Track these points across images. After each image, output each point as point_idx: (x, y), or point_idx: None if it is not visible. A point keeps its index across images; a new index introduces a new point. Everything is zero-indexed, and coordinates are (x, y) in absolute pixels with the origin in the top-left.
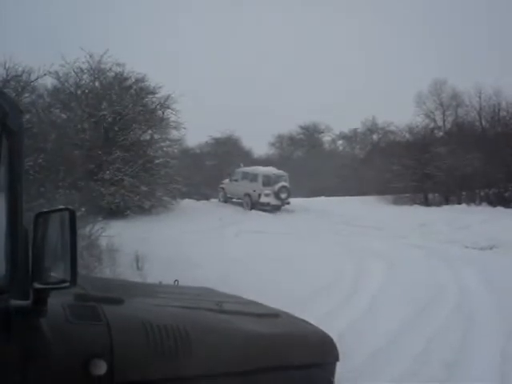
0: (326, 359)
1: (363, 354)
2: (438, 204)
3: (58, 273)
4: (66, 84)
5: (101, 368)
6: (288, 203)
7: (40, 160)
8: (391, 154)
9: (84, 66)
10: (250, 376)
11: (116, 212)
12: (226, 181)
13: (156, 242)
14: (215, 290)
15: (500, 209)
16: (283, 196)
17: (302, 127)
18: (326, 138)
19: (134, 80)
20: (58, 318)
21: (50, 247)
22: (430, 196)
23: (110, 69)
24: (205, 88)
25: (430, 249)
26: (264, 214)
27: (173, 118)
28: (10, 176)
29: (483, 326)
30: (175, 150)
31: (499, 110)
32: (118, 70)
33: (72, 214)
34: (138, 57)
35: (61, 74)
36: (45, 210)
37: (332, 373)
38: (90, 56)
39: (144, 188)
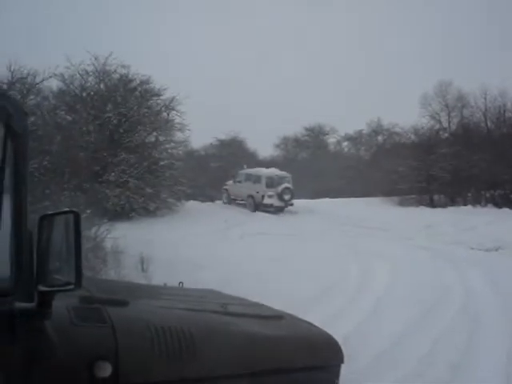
0: (330, 361)
1: (368, 356)
2: (444, 205)
3: (62, 275)
4: (71, 86)
5: (105, 370)
6: (291, 204)
7: (45, 162)
8: (396, 155)
9: (89, 68)
10: (255, 378)
11: (121, 214)
12: (230, 182)
13: (161, 243)
14: (220, 291)
15: (506, 210)
16: (286, 197)
17: (307, 129)
18: (331, 140)
19: (138, 82)
20: (63, 320)
21: (54, 250)
22: (436, 197)
23: (115, 71)
24: (209, 89)
25: (436, 250)
26: (269, 215)
27: (178, 120)
28: (14, 178)
29: (489, 327)
30: (180, 152)
31: (505, 111)
32: (123, 71)
33: (77, 216)
34: (142, 59)
35: (66, 76)
36: (49, 212)
37: (337, 375)
38: (95, 58)
39: (149, 190)
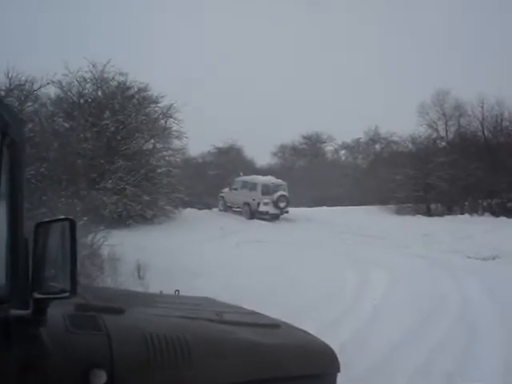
0: (326, 370)
1: (365, 364)
2: (441, 214)
3: (58, 282)
4: (68, 93)
5: (100, 378)
6: (287, 212)
7: (42, 169)
8: (394, 163)
9: (87, 76)
10: None
11: (118, 221)
12: (226, 190)
13: (158, 251)
14: (216, 299)
15: (503, 219)
16: (282, 205)
17: (304, 137)
18: (329, 148)
19: (136, 89)
20: (58, 327)
21: (50, 257)
22: (433, 206)
23: (113, 78)
24: (207, 97)
25: (433, 259)
26: (265, 223)
27: (175, 128)
28: (11, 185)
29: (486, 336)
30: (177, 160)
31: (502, 120)
32: (121, 79)
33: (72, 223)
34: (140, 66)
35: (64, 83)
36: (45, 219)
37: None
38: (93, 65)
39: (146, 197)
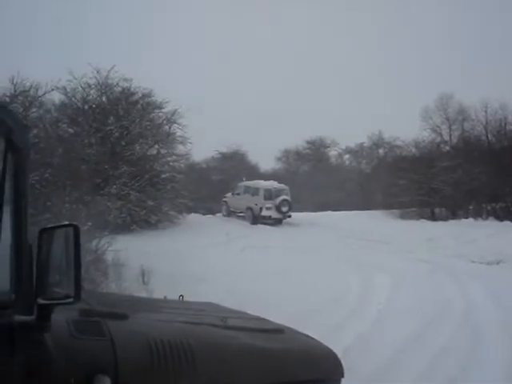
0: (330, 375)
1: (369, 368)
2: (445, 218)
3: (62, 288)
4: (73, 99)
5: (105, 383)
6: (289, 216)
7: (47, 174)
8: (397, 168)
9: (91, 81)
10: None
11: (122, 226)
12: (229, 195)
13: (162, 256)
14: (220, 305)
15: (507, 223)
16: (284, 209)
17: (308, 142)
18: (333, 153)
19: (140, 95)
20: (63, 333)
21: (54, 263)
22: (437, 210)
23: (117, 84)
24: (211, 103)
25: (437, 263)
26: (269, 228)
27: (179, 133)
28: (15, 191)
29: (489, 341)
30: (182, 165)
31: (505, 124)
32: (125, 85)
33: (76, 229)
34: (144, 71)
35: (68, 89)
36: (49, 225)
37: None
38: (98, 71)
39: (150, 202)
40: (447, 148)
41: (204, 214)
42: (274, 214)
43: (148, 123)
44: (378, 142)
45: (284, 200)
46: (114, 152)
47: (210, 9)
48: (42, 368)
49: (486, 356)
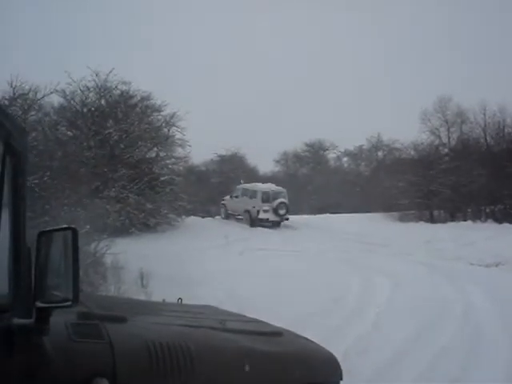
0: (329, 378)
1: (369, 369)
2: (444, 221)
3: (60, 291)
4: (72, 102)
5: None
6: (287, 219)
7: (46, 178)
8: (396, 170)
9: (90, 85)
10: None
11: (121, 229)
12: (228, 197)
13: (161, 259)
14: (218, 308)
15: (506, 225)
16: (282, 212)
17: (307, 144)
18: (331, 155)
19: (139, 98)
20: (61, 336)
21: (52, 266)
22: (436, 213)
23: (116, 87)
24: (210, 105)
25: (436, 266)
26: (268, 230)
27: (178, 136)
28: (13, 194)
29: (489, 343)
30: (181, 168)
31: (504, 127)
32: (124, 88)
33: (75, 233)
34: (143, 75)
35: (67, 92)
36: (48, 228)
37: None
38: (96, 74)
39: (149, 205)
40: (446, 150)
41: (203, 217)
42: (271, 216)
43: (147, 126)
44: (376, 145)
45: (281, 203)
46: (112, 155)
47: (209, 11)
48: (40, 371)
49: (486, 356)
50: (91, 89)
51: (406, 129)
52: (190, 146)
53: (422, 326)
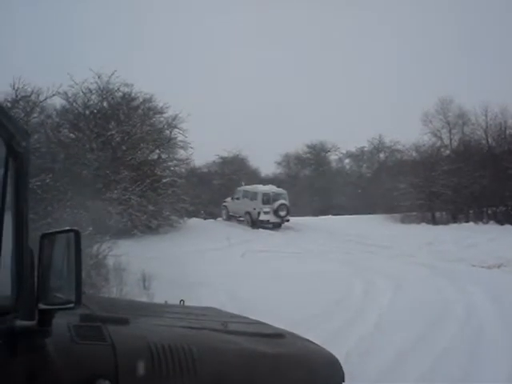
0: (331, 380)
1: (371, 369)
2: (446, 222)
3: (63, 293)
4: (74, 104)
5: None
6: (287, 220)
7: (48, 180)
8: (398, 172)
9: (92, 87)
10: None
11: (123, 231)
12: (229, 199)
13: (163, 261)
14: (221, 309)
15: (508, 227)
16: (282, 213)
17: (308, 146)
18: (333, 157)
19: (141, 100)
20: (64, 338)
21: (55, 268)
22: (438, 214)
23: (118, 89)
24: (212, 107)
25: (438, 267)
26: (270, 232)
27: (180, 138)
28: (16, 197)
29: (490, 344)
30: (182, 170)
31: (505, 129)
32: (126, 90)
33: (77, 235)
34: (144, 76)
35: (69, 95)
36: (51, 230)
37: None
38: (99, 76)
39: (151, 207)
40: (447, 152)
41: (205, 219)
42: (271, 218)
43: (149, 128)
44: (378, 147)
45: (282, 204)
46: (115, 157)
47: (210, 12)
48: (43, 373)
49: (488, 358)
50: (93, 91)
51: (408, 130)
52: (191, 147)
53: (424, 327)
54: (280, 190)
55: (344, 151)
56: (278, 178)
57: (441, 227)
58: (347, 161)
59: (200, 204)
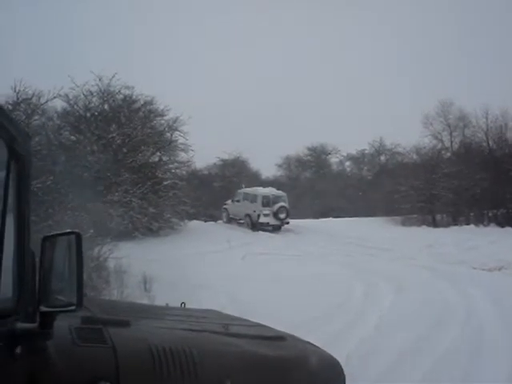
0: (332, 382)
1: (372, 371)
2: (446, 225)
3: (64, 296)
4: (75, 106)
5: None
6: (287, 223)
7: (49, 182)
8: (399, 175)
9: (93, 89)
10: None
11: (124, 233)
12: (229, 202)
13: (164, 263)
14: (222, 312)
15: (508, 229)
16: (282, 216)
17: (309, 148)
18: (334, 160)
19: (142, 102)
20: (65, 340)
21: (56, 270)
22: (438, 217)
23: (119, 91)
24: (213, 109)
25: (438, 270)
26: (271, 235)
27: (181, 140)
28: (17, 199)
29: (491, 345)
30: (183, 172)
31: (506, 131)
32: (127, 92)
33: (79, 237)
34: (146, 79)
35: (70, 97)
36: (52, 233)
37: None
38: (100, 79)
39: (152, 209)
40: (448, 154)
41: (205, 221)
42: (271, 220)
43: (150, 130)
44: (379, 149)
45: (282, 207)
46: (116, 159)
47: (209, 13)
48: (44, 375)
49: (489, 359)
50: (94, 93)
51: (409, 133)
52: (192, 150)
53: (425, 329)
54: (280, 193)
55: (345, 154)
56: (279, 180)
57: (441, 230)
58: (348, 163)
59: (201, 206)
